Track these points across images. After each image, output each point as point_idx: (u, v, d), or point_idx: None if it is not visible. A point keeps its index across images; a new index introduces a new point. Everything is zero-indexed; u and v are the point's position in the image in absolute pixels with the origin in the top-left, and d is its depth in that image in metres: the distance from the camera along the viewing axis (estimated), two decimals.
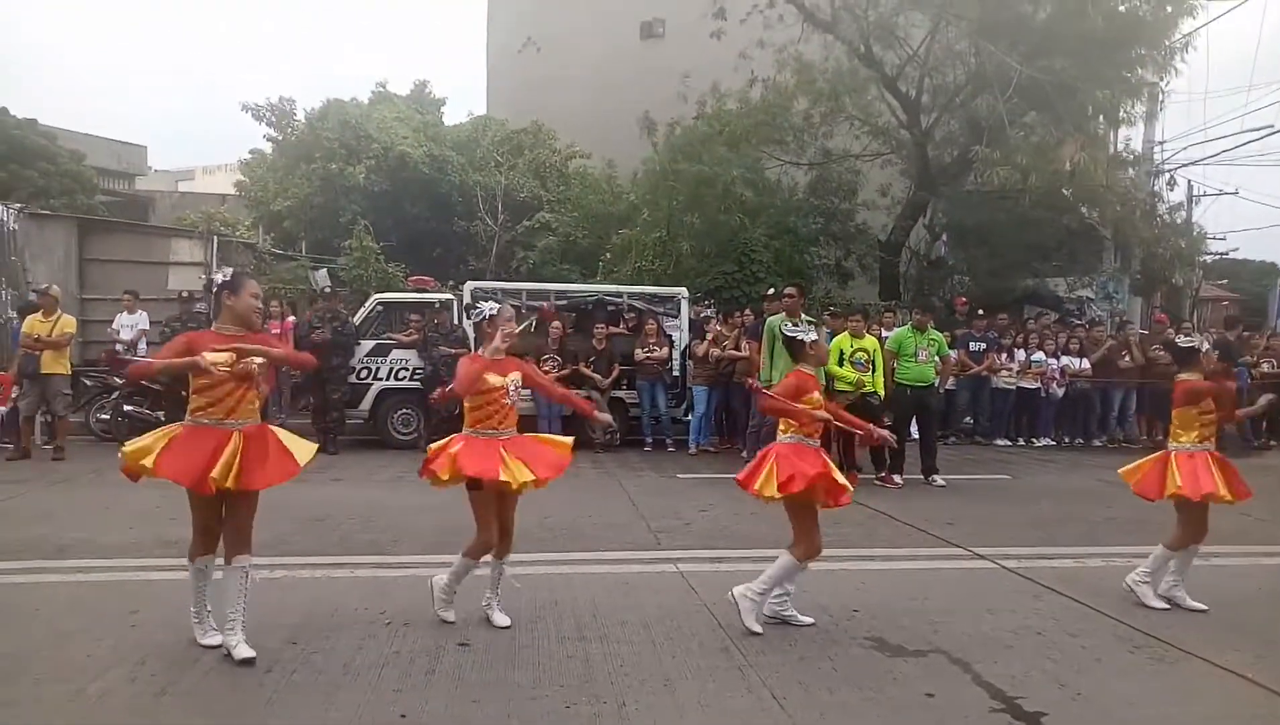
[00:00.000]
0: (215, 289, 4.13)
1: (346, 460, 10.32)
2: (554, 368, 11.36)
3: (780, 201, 17.04)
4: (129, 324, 12.24)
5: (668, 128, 16.84)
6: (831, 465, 4.74)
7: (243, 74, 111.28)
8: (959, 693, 3.90)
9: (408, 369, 11.59)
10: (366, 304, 12.15)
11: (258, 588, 4.36)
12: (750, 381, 9.66)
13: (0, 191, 18.78)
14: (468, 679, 3.91)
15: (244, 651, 3.95)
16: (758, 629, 4.52)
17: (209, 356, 3.92)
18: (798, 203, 17.44)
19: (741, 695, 3.83)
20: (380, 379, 11.57)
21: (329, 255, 18.25)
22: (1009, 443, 12.98)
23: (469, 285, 12.24)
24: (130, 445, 4.00)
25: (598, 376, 11.58)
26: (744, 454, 10.13)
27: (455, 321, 11.67)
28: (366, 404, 11.54)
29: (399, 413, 11.68)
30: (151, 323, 12.32)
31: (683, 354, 11.94)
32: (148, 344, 12.06)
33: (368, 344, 11.55)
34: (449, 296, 12.27)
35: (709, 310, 13.28)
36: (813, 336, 4.86)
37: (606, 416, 4.68)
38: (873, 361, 9.23)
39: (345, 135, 20.75)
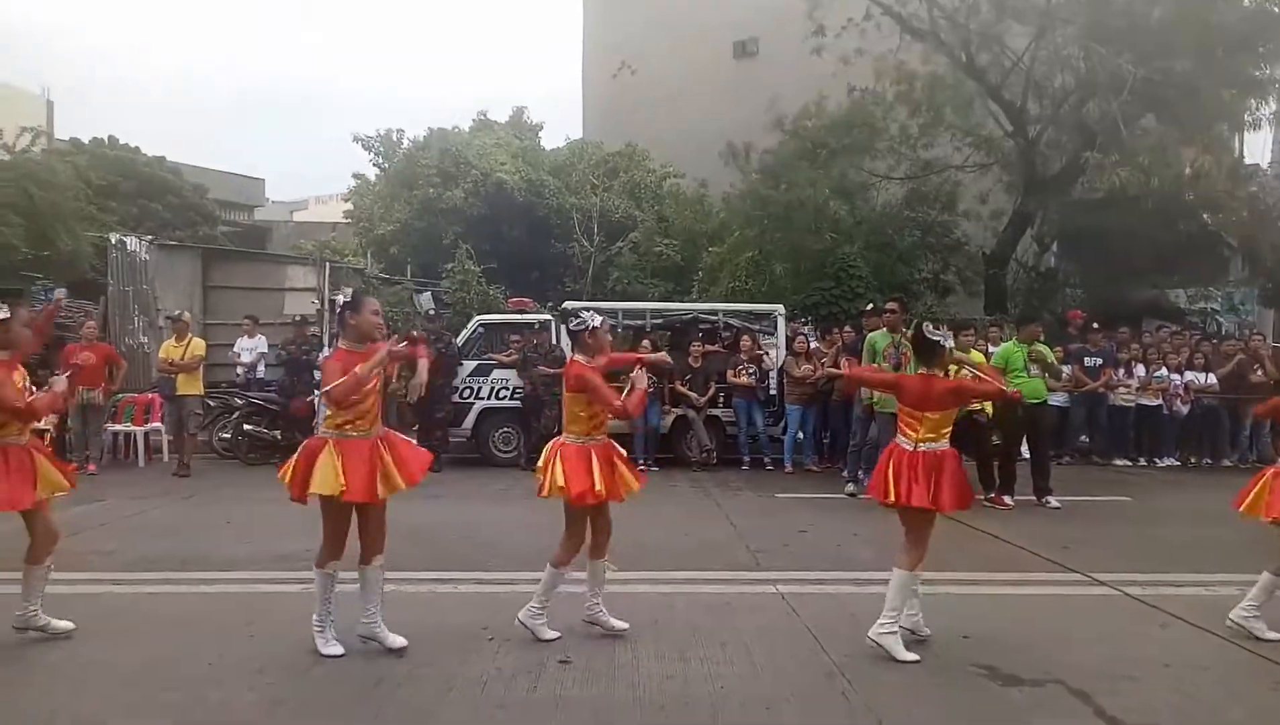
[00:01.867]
0: (338, 309, 4.36)
1: (450, 477, 10.56)
2: (650, 386, 11.35)
3: (876, 215, 16.70)
4: (249, 347, 12.89)
5: (759, 156, 16.70)
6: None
7: (355, 108, 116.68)
8: None
9: (508, 388, 11.81)
10: (469, 325, 12.46)
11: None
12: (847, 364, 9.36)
13: (132, 224, 20.08)
14: (569, 697, 3.92)
15: (397, 641, 4.35)
16: (913, 657, 4.35)
17: (361, 369, 4.16)
18: (894, 216, 17.08)
19: (846, 721, 3.72)
20: (482, 398, 11.83)
21: (432, 279, 18.84)
22: (1129, 463, 12.29)
23: (566, 305, 12.41)
24: (315, 479, 4.20)
25: (693, 394, 11.55)
26: (844, 473, 9.92)
27: (554, 342, 11.85)
28: (469, 423, 11.81)
29: (500, 431, 11.91)
30: (269, 346, 12.94)
31: (779, 372, 11.80)
32: (266, 366, 12.66)
33: (470, 364, 11.83)
34: (547, 317, 12.47)
35: (804, 328, 13.10)
36: (951, 342, 4.77)
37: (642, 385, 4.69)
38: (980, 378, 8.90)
39: (444, 162, 21.44)
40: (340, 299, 4.40)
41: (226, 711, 3.74)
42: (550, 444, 4.76)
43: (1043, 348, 9.18)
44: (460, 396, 11.73)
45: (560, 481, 4.46)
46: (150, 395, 12.24)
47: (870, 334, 9.25)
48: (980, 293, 17.09)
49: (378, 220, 22.56)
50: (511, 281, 18.22)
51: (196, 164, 33.64)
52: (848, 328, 11.90)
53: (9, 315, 4.49)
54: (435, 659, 4.33)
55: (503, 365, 11.82)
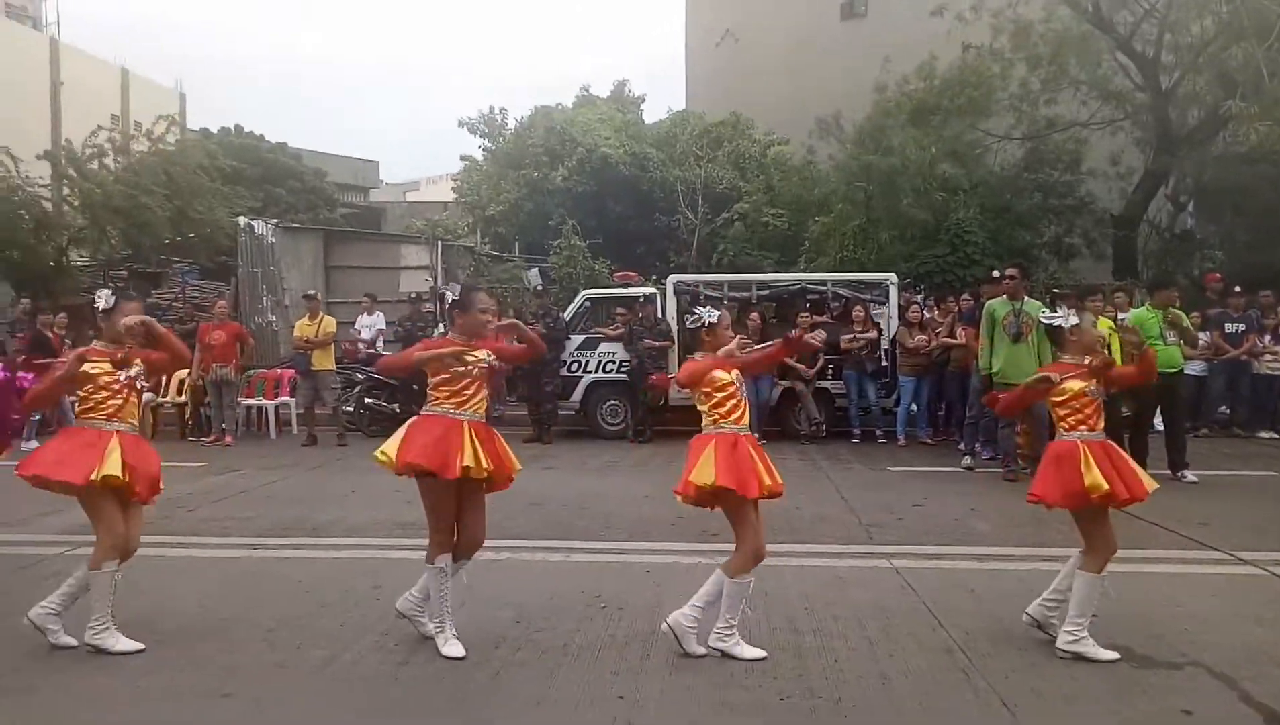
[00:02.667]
0: (448, 306, 4.34)
1: (560, 449, 10.77)
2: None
3: (993, 178, 15.98)
4: (368, 324, 13.41)
5: (862, 121, 16.13)
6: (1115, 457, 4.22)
7: (461, 87, 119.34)
8: (1224, 712, 3.48)
9: (615, 362, 11.91)
10: (575, 300, 12.61)
11: (487, 568, 4.64)
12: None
13: (258, 208, 21.17)
14: (681, 665, 3.95)
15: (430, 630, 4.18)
16: (1113, 655, 3.98)
17: (420, 353, 4.21)
18: (1013, 178, 16.30)
19: (967, 699, 3.62)
20: (589, 372, 11.97)
21: (540, 255, 19.14)
22: (1275, 435, 11.47)
23: (672, 279, 12.42)
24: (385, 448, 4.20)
25: (802, 366, 11.38)
26: (960, 446, 9.61)
27: (659, 315, 11.87)
28: (577, 396, 11.98)
29: (607, 404, 12.04)
30: (387, 322, 13.43)
31: (891, 342, 11.49)
32: (384, 342, 13.16)
33: (577, 338, 11.98)
34: (652, 291, 12.49)
35: (917, 297, 12.70)
36: (1074, 321, 4.38)
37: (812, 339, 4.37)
38: (1108, 346, 8.44)
39: (550, 141, 21.67)
40: (449, 296, 4.39)
41: (358, 669, 3.93)
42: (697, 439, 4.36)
43: (1178, 313, 8.63)
44: (568, 370, 11.90)
45: (710, 477, 4.02)
46: (280, 370, 12.90)
47: (989, 302, 8.88)
48: (1108, 256, 16.19)
49: (486, 200, 23.05)
50: (617, 256, 18.33)
51: (315, 149, 35.10)
52: (965, 296, 11.47)
53: (112, 306, 4.31)
54: (550, 625, 4.42)
55: (609, 339, 11.92)
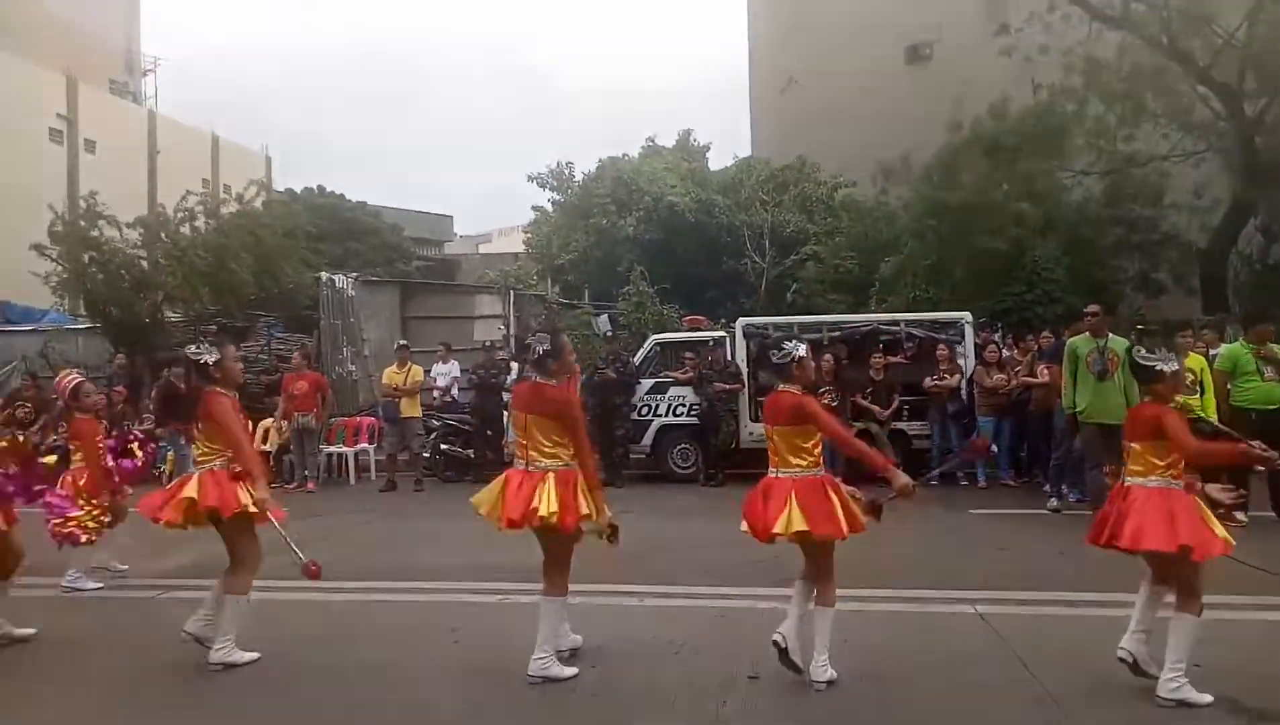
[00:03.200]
0: (538, 355, 4.34)
1: (632, 493, 10.74)
2: (831, 400, 11.11)
3: (1071, 214, 15.62)
4: (444, 372, 13.69)
5: (932, 159, 15.96)
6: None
7: (533, 139, 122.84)
8: None
9: (685, 405, 11.91)
10: (645, 345, 12.70)
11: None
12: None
13: (338, 264, 21.97)
14: (761, 711, 3.88)
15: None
16: (1208, 698, 3.84)
17: None
18: (1092, 215, 15.90)
19: None
20: (660, 415, 11.99)
21: (609, 302, 19.35)
22: None
23: (741, 322, 12.40)
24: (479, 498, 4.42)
25: (876, 408, 11.19)
26: (1045, 488, 9.29)
27: (728, 358, 11.85)
28: (648, 440, 12.00)
29: (678, 447, 12.02)
30: (461, 370, 13.71)
31: (969, 382, 11.23)
32: (459, 390, 13.42)
33: (647, 383, 12.04)
34: (721, 334, 12.49)
35: (995, 335, 12.41)
36: (1174, 367, 4.14)
37: (904, 479, 4.33)
38: (1200, 383, 8.11)
39: (617, 191, 22.04)
40: (540, 348, 4.35)
41: (438, 712, 3.96)
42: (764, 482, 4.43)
43: (1275, 347, 8.25)
44: (639, 414, 11.94)
45: (800, 524, 4.11)
46: (359, 418, 13.25)
47: (1071, 339, 8.63)
48: (1197, 291, 15.61)
49: (556, 250, 23.49)
50: (685, 300, 18.43)
51: (393, 205, 36.33)
52: (1045, 333, 11.18)
53: (219, 357, 4.71)
54: (626, 670, 4.40)
55: (679, 383, 11.94)
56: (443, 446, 12.32)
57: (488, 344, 13.91)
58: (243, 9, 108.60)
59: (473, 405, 12.64)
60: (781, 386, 4.43)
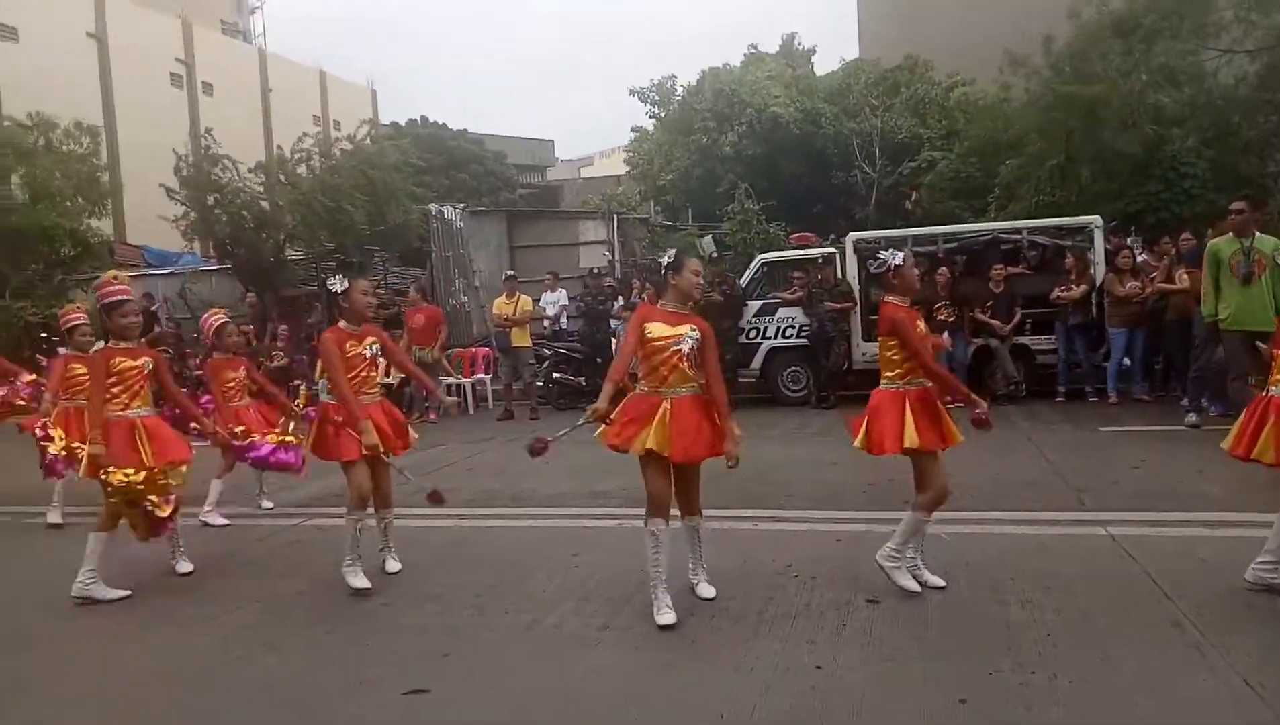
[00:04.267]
0: (662, 269, 4.30)
1: (742, 417, 10.62)
2: (949, 315, 10.71)
3: (1215, 102, 14.29)
4: (552, 301, 13.89)
5: (1056, 50, 14.71)
6: None
7: (633, 58, 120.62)
8: None
9: (794, 326, 11.72)
10: (751, 265, 12.49)
11: (675, 538, 4.71)
12: None
13: (444, 195, 22.33)
14: (880, 635, 3.86)
15: (706, 591, 4.42)
16: None
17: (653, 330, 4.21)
18: (1241, 100, 14.49)
19: (1202, 678, 3.32)
20: (768, 338, 11.85)
21: (712, 222, 19.07)
22: None
23: (851, 237, 12.02)
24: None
25: (995, 322, 10.74)
26: (1183, 403, 8.78)
27: (839, 275, 11.55)
28: (756, 363, 11.90)
29: (788, 370, 11.88)
30: (569, 298, 13.85)
31: (1099, 291, 10.61)
32: (568, 317, 13.59)
33: (754, 304, 11.88)
34: (831, 251, 12.16)
35: (1127, 240, 11.63)
36: None
37: (980, 406, 4.25)
38: None
39: (718, 104, 21.44)
40: (665, 259, 4.32)
41: (563, 632, 4.11)
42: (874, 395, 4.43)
43: None
44: (747, 337, 11.83)
45: (914, 440, 4.15)
46: (474, 349, 13.62)
47: (1212, 241, 7.98)
48: None
49: (657, 170, 23.20)
50: (792, 217, 18.00)
51: (494, 132, 36.54)
52: (1184, 235, 10.41)
53: (347, 286, 4.84)
54: (743, 594, 4.44)
55: (787, 303, 11.74)
56: (555, 375, 12.55)
57: (594, 270, 13.98)
58: None
59: (581, 332, 12.79)
60: (885, 297, 4.43)
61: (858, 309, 11.34)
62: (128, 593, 4.85)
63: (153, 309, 14.99)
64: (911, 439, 4.16)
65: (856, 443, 4.40)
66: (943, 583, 4.38)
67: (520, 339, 12.04)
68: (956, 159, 18.02)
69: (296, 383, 12.48)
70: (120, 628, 4.46)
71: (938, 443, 4.25)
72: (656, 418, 4.10)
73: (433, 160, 27.29)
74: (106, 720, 3.54)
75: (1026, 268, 11.30)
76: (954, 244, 11.71)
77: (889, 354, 4.34)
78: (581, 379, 12.31)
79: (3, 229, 17.36)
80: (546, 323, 13.61)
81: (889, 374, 4.37)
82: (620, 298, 12.89)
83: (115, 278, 5.07)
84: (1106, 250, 10.79)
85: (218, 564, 5.49)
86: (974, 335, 10.85)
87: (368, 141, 17.77)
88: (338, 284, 4.89)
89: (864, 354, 11.19)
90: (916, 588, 4.30)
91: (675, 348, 4.18)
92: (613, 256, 15.79)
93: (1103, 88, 12.99)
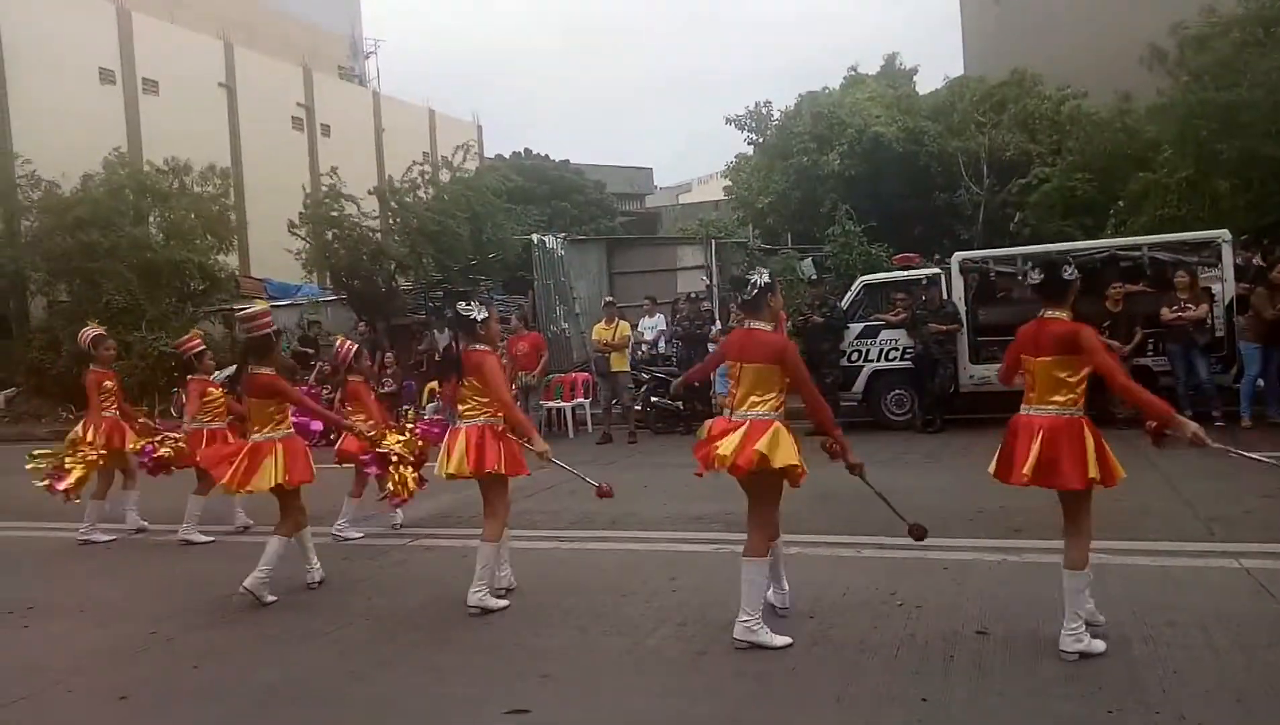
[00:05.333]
0: (757, 291, 4.26)
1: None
2: None
3: None
4: (650, 325, 13.99)
5: (1191, 52, 13.95)
6: None
7: (729, 85, 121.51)
8: None
9: (898, 349, 11.46)
10: (852, 287, 12.29)
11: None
12: None
13: (546, 224, 22.85)
14: (990, 668, 3.71)
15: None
16: None
17: None
18: None
19: None
20: (871, 360, 11.62)
21: (812, 245, 18.88)
22: None
23: (956, 257, 11.70)
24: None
25: (1115, 343, 10.23)
26: None
27: (944, 296, 11.25)
28: (859, 386, 11.67)
29: (892, 394, 11.61)
30: (667, 323, 13.92)
31: (1227, 308, 10.00)
32: (665, 342, 13.65)
33: (856, 327, 11.68)
34: (936, 271, 11.85)
35: (1255, 257, 10.92)
36: None
37: (1191, 427, 3.81)
38: None
39: (817, 126, 21.28)
40: (759, 280, 4.28)
41: (662, 656, 4.11)
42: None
43: None
44: (848, 360, 11.63)
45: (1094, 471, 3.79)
46: (574, 374, 13.83)
47: None
48: None
49: (755, 193, 23.15)
50: (894, 238, 17.64)
51: (595, 162, 37.25)
52: None
53: (487, 315, 5.01)
54: (845, 622, 4.35)
55: (891, 325, 11.49)
56: (653, 399, 12.61)
57: (692, 295, 14.03)
58: None
59: (679, 357, 12.83)
60: (1046, 312, 4.01)
61: (964, 331, 11.01)
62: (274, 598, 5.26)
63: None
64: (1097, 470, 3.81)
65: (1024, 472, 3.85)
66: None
67: (619, 364, 12.22)
68: (1068, 175, 17.34)
69: (406, 407, 12.91)
70: (256, 640, 4.69)
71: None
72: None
73: (535, 190, 28.02)
74: None
75: (1147, 285, 10.75)
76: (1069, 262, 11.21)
77: (1060, 375, 3.86)
78: (679, 403, 12.32)
79: (141, 266, 18.67)
80: (644, 347, 13.71)
81: (1059, 400, 3.88)
82: (718, 321, 12.88)
83: (266, 311, 5.56)
84: (1237, 265, 10.16)
85: (333, 581, 5.72)
86: None
87: (469, 167, 18.38)
88: (477, 312, 5.03)
89: (971, 377, 10.83)
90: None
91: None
92: (710, 281, 15.80)
93: (1247, 90, 12.19)
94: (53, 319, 19.52)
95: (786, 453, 4.04)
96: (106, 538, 7.34)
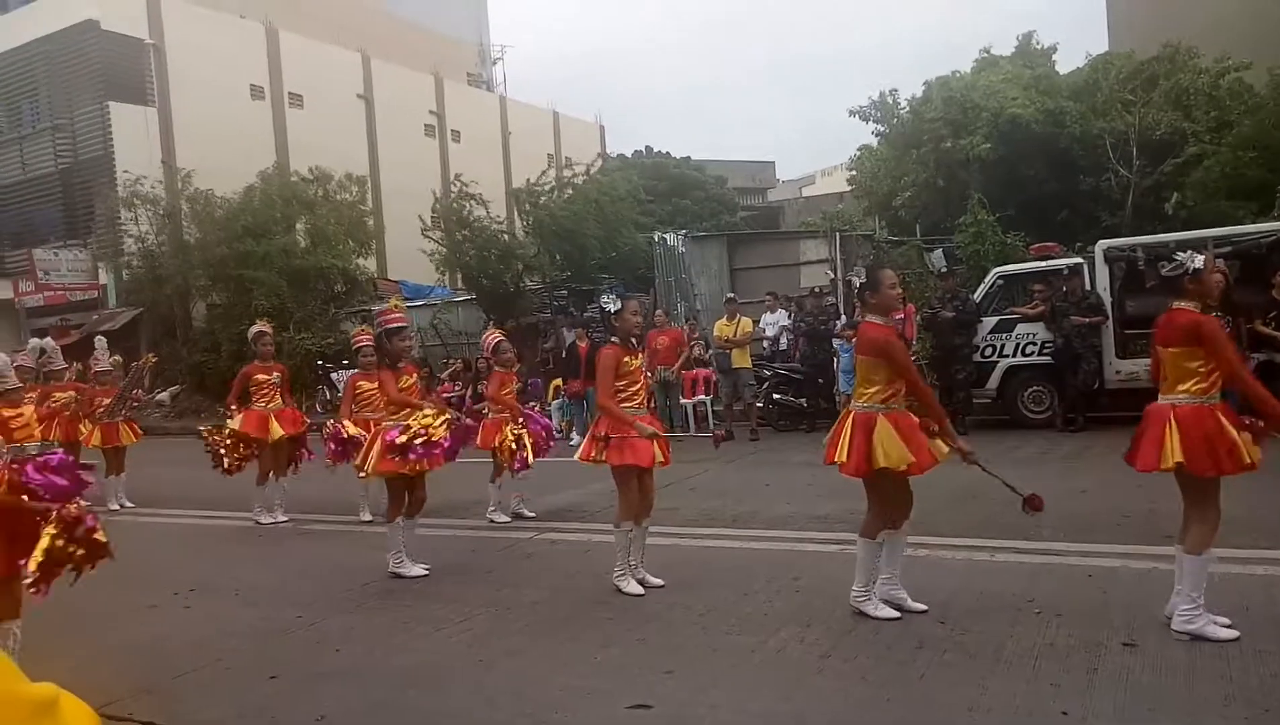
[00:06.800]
0: (857, 290, 4.38)
1: (977, 440, 10.08)
2: (1224, 326, 9.52)
3: None
4: (772, 322, 13.81)
5: None
6: None
7: (854, 72, 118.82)
8: None
9: (1036, 343, 10.91)
10: (986, 279, 11.78)
11: (908, 565, 4.56)
12: None
13: (667, 221, 22.94)
14: (1139, 683, 3.49)
15: (915, 605, 4.42)
16: None
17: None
18: None
19: None
20: (1006, 356, 11.11)
21: (943, 235, 18.18)
22: None
23: (1102, 244, 11.03)
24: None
25: (1279, 335, 9.43)
26: None
27: (1087, 287, 10.63)
28: (993, 382, 11.18)
29: (1029, 390, 11.06)
30: (790, 319, 13.70)
31: None
32: (788, 339, 13.45)
33: (990, 321, 11.19)
34: (1078, 261, 11.21)
35: None
36: None
37: None
38: None
39: (949, 112, 20.45)
40: (855, 281, 4.41)
41: (786, 656, 4.06)
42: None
43: None
44: (982, 355, 11.15)
45: (1177, 456, 3.83)
46: (696, 371, 13.80)
47: None
48: None
49: (881, 184, 22.49)
50: (1032, 227, 16.76)
51: (716, 158, 37.15)
52: None
53: (620, 307, 5.17)
54: (978, 627, 4.17)
55: (1028, 319, 10.95)
56: (775, 396, 12.47)
57: (815, 290, 13.77)
58: None
59: (803, 353, 12.62)
60: (1176, 303, 4.02)
61: (1109, 323, 10.38)
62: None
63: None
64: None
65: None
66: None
67: (741, 360, 12.12)
68: (1230, 153, 16.05)
69: (532, 404, 13.23)
70: (392, 626, 4.90)
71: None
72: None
73: (656, 187, 28.13)
74: (379, 719, 3.87)
75: None
76: (1228, 247, 10.40)
77: (1187, 365, 3.91)
78: (802, 400, 12.13)
79: (289, 271, 19.89)
80: (766, 344, 13.56)
81: (1187, 388, 3.91)
82: (842, 316, 12.60)
83: (396, 307, 5.87)
84: None
85: (461, 571, 5.92)
86: (1252, 350, 9.56)
87: (594, 172, 18.70)
88: (612, 303, 5.21)
89: (1118, 372, 10.19)
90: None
91: None
92: (835, 275, 15.45)
93: None
94: (211, 322, 21.07)
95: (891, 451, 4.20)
96: (269, 519, 7.96)
